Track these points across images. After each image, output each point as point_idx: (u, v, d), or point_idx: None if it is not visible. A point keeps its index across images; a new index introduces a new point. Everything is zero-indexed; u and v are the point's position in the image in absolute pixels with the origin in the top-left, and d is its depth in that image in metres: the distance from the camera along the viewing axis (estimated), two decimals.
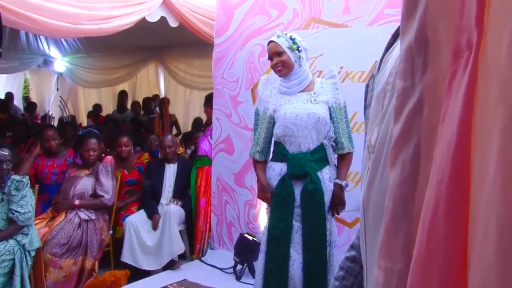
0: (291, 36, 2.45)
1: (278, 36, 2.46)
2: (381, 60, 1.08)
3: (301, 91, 2.47)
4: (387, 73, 1.01)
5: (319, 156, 2.40)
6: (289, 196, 2.38)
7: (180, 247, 3.43)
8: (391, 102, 0.91)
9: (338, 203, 2.42)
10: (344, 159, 2.47)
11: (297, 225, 2.39)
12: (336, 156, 2.50)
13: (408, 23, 0.67)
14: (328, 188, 2.39)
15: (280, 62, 2.42)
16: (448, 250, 0.52)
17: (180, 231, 3.65)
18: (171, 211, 3.49)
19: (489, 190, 0.45)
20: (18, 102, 8.71)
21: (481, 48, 0.49)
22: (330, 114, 2.44)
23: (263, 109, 2.56)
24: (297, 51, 2.42)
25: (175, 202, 3.72)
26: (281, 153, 2.46)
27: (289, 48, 2.41)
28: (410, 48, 0.67)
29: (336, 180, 2.42)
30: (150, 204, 3.68)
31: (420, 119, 0.65)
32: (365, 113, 1.26)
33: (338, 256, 2.39)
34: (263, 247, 2.49)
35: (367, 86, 1.19)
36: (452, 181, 0.52)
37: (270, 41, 2.49)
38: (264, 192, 2.51)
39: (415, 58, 0.66)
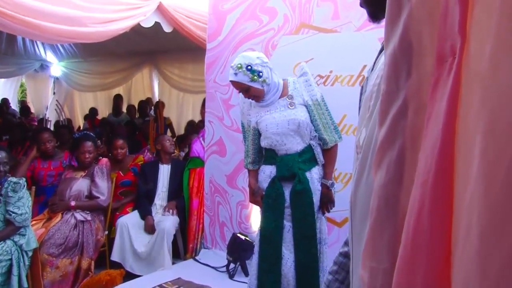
0: (247, 66, 2.35)
1: (235, 74, 2.37)
2: (375, 62, 1.13)
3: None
4: (375, 75, 1.03)
5: (307, 157, 2.44)
6: (279, 197, 2.43)
7: (161, 264, 3.43)
8: (377, 103, 0.91)
9: (327, 201, 2.48)
10: (330, 151, 2.48)
11: (288, 224, 2.43)
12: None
13: (392, 28, 0.67)
14: (317, 187, 2.44)
15: (251, 95, 2.44)
16: (433, 250, 0.53)
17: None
18: (166, 228, 3.48)
19: (471, 191, 0.46)
20: (14, 107, 8.76)
21: (464, 54, 0.50)
22: (309, 113, 2.44)
23: (246, 122, 2.60)
24: (259, 78, 2.37)
25: (171, 212, 3.69)
26: (270, 156, 2.52)
27: (251, 81, 2.36)
28: (394, 53, 0.67)
29: (322, 180, 2.47)
30: (143, 205, 3.73)
31: (405, 123, 0.65)
32: (359, 114, 1.31)
33: (328, 253, 2.43)
34: (256, 248, 2.53)
35: (362, 87, 1.23)
36: (437, 183, 0.53)
37: (231, 81, 2.42)
38: (254, 196, 2.57)
39: (399, 63, 0.66)
